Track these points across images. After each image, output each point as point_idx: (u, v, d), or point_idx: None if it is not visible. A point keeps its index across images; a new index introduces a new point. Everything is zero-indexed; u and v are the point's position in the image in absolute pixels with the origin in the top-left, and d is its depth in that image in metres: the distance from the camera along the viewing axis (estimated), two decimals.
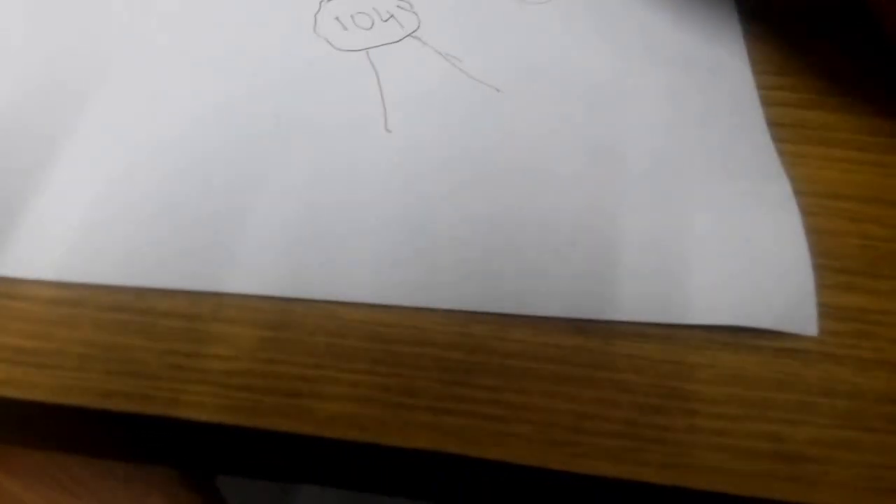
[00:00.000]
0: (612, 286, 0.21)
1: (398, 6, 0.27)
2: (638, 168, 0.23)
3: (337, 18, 0.27)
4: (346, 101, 0.25)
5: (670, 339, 0.20)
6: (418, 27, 0.27)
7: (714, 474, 0.18)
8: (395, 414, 0.19)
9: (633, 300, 0.21)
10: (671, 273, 0.21)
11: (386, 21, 0.27)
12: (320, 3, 0.28)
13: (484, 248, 0.22)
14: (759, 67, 0.27)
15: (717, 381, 0.20)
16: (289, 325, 0.21)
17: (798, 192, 0.23)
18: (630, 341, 0.20)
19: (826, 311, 0.21)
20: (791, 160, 0.24)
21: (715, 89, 0.26)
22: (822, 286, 0.21)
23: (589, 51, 0.26)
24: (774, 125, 0.25)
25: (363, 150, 0.24)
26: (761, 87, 0.26)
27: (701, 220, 0.22)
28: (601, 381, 0.20)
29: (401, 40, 0.26)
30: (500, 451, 0.18)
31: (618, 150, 0.24)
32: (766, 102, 0.25)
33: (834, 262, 0.22)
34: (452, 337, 0.21)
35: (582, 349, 0.20)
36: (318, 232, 0.22)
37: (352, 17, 0.27)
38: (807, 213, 0.23)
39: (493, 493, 0.20)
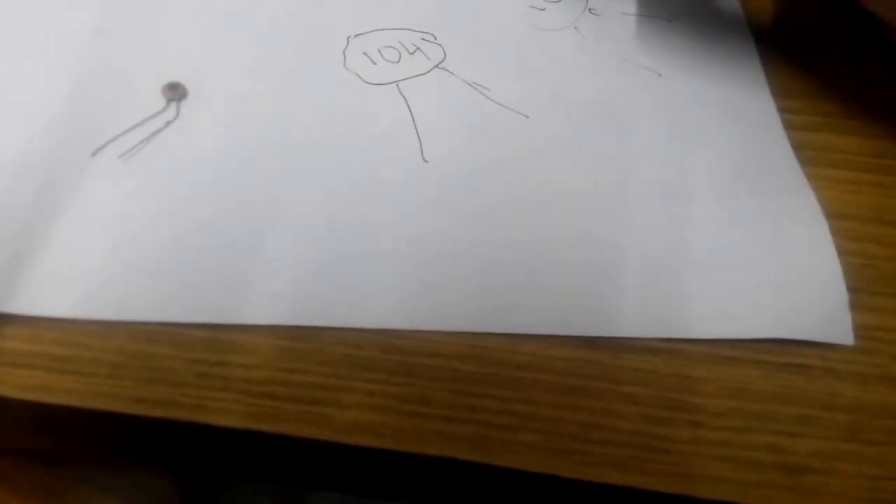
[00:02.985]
0: (649, 305, 0.21)
1: (423, 39, 0.28)
2: (665, 190, 0.24)
3: (365, 53, 0.27)
4: (380, 134, 0.25)
5: (675, 353, 0.21)
6: (444, 58, 0.27)
7: (717, 483, 0.19)
8: (409, 422, 0.20)
9: (669, 318, 0.21)
10: (708, 290, 0.22)
11: (412, 54, 0.27)
12: (348, 38, 0.28)
13: (508, 271, 0.22)
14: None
15: (721, 394, 0.20)
16: (308, 336, 0.22)
17: None
18: (636, 355, 0.21)
19: None
20: None
21: (736, 108, 0.26)
22: None
23: (609, 75, 0.27)
24: None
25: (398, 179, 0.24)
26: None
27: (732, 236, 0.23)
28: (608, 392, 0.20)
29: (429, 72, 0.27)
30: (511, 459, 0.19)
31: (643, 172, 0.24)
32: None
33: None
34: (465, 349, 0.21)
35: (590, 362, 0.21)
36: (348, 261, 0.22)
37: (379, 51, 0.27)
38: None
39: (503, 500, 0.21)
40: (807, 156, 0.25)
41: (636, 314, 0.21)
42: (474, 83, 0.26)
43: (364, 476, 0.21)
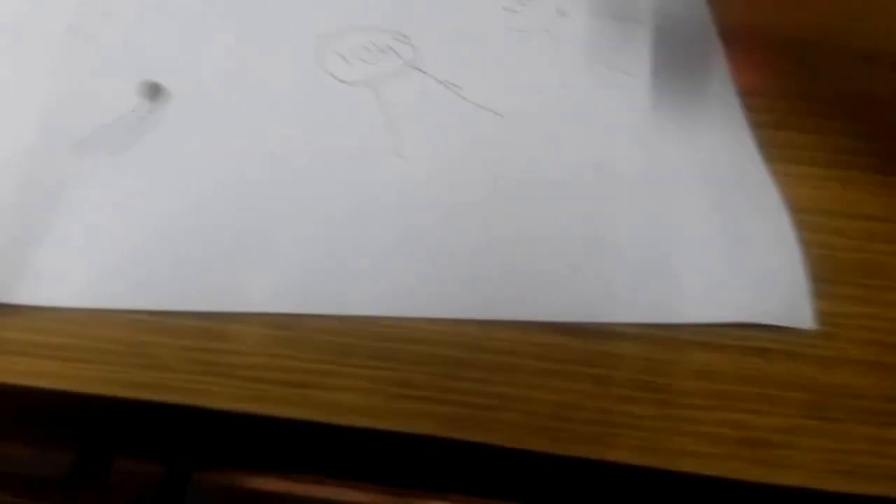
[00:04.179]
0: (622, 292, 0.23)
1: (395, 38, 0.29)
2: (635, 184, 0.25)
3: (338, 53, 0.29)
4: (355, 131, 0.26)
5: (643, 337, 0.22)
6: (417, 58, 0.29)
7: (683, 456, 0.20)
8: (393, 403, 0.21)
9: (641, 304, 0.23)
10: (673, 278, 0.23)
11: (385, 53, 0.29)
12: (321, 37, 0.29)
13: (487, 260, 0.23)
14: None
15: (687, 375, 0.22)
16: (296, 325, 0.23)
17: None
18: (607, 340, 0.22)
19: None
20: None
21: (702, 106, 0.28)
22: None
23: (579, 74, 0.28)
24: None
25: (377, 175, 0.25)
26: None
27: (696, 227, 0.24)
28: (580, 375, 0.22)
29: (402, 71, 0.28)
30: (488, 436, 0.20)
31: (612, 167, 0.26)
32: None
33: None
34: (445, 336, 0.23)
35: (563, 347, 0.22)
36: (333, 253, 0.24)
37: (352, 50, 0.29)
38: None
39: (481, 477, 0.22)
40: (771, 153, 0.27)
41: (605, 300, 0.23)
42: (447, 82, 0.28)
43: (349, 457, 0.22)
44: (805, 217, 0.25)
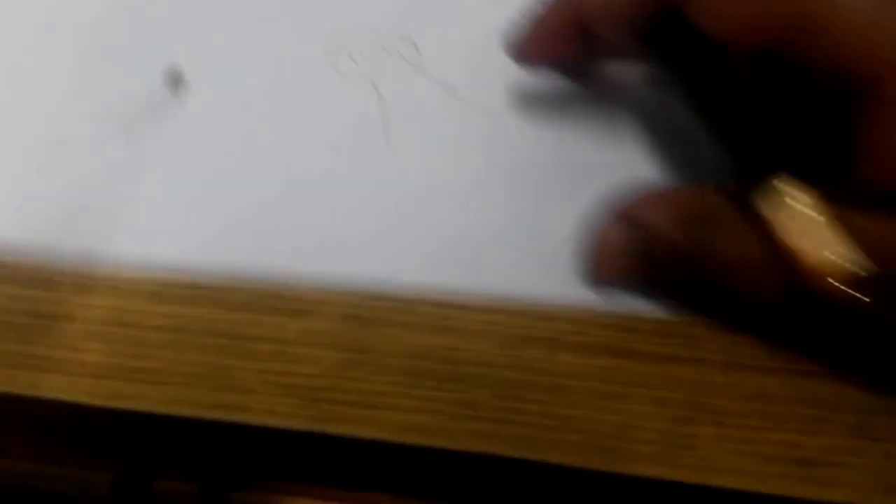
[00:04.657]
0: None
1: (400, 40, 0.32)
2: (610, 179, 0.28)
3: (346, 49, 0.32)
4: (351, 120, 0.30)
5: (701, 361, 0.24)
6: (420, 59, 0.32)
7: (738, 475, 0.22)
8: (460, 424, 0.23)
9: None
10: None
11: (390, 53, 0.32)
12: (330, 36, 0.32)
13: (470, 243, 0.27)
14: None
15: (742, 397, 0.23)
16: (365, 348, 0.25)
17: None
18: (664, 363, 0.24)
19: None
20: None
21: (686, 118, 0.30)
22: None
23: (573, 85, 0.31)
24: None
25: (364, 161, 0.29)
26: None
27: None
28: (640, 397, 0.23)
29: (403, 69, 0.31)
30: (552, 456, 0.22)
31: (594, 165, 0.29)
32: None
33: None
34: (507, 359, 0.24)
35: (624, 370, 0.24)
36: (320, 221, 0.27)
37: (359, 49, 0.32)
38: None
39: (546, 496, 0.24)
40: None
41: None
42: (444, 82, 0.31)
43: (418, 476, 0.24)
44: None
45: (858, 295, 0.21)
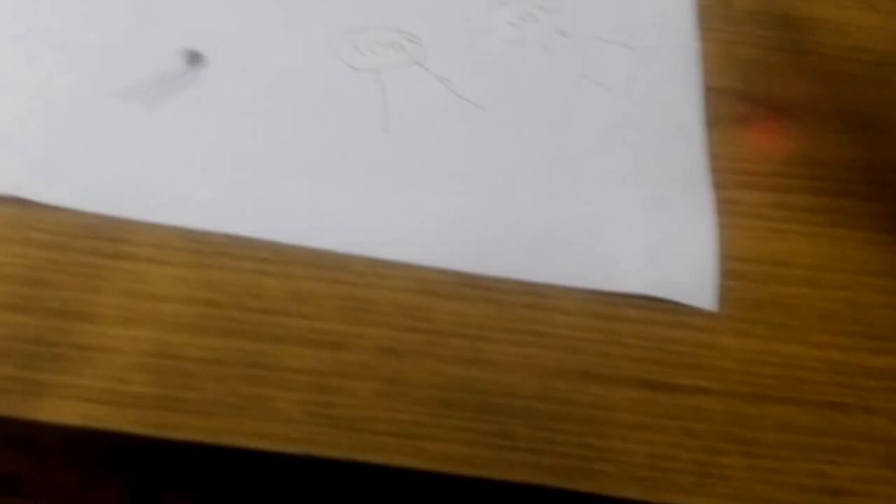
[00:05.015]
0: (557, 259, 0.29)
1: (409, 39, 0.35)
2: (591, 176, 0.31)
3: (355, 46, 0.35)
4: (352, 106, 0.33)
5: (729, 393, 0.25)
6: (424, 56, 0.35)
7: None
8: (496, 454, 0.24)
9: (573, 272, 0.28)
10: (607, 254, 0.29)
11: (396, 50, 0.35)
12: (344, 31, 0.36)
13: (445, 215, 0.30)
14: None
15: (772, 428, 0.24)
16: (401, 380, 0.26)
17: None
18: (692, 395, 0.25)
19: (861, 370, 0.26)
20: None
21: (664, 126, 0.33)
22: (858, 349, 0.26)
23: (563, 84, 0.34)
24: None
25: (366, 149, 0.32)
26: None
27: (637, 217, 0.30)
28: (671, 427, 0.24)
29: (407, 65, 0.35)
30: (586, 485, 0.23)
31: (575, 161, 0.32)
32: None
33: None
34: (539, 390, 0.25)
35: (653, 401, 0.25)
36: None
37: (367, 45, 0.35)
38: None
39: None
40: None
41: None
42: (443, 78, 0.34)
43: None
44: (875, 279, 0.28)
45: None
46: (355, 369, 0.26)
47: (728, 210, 0.31)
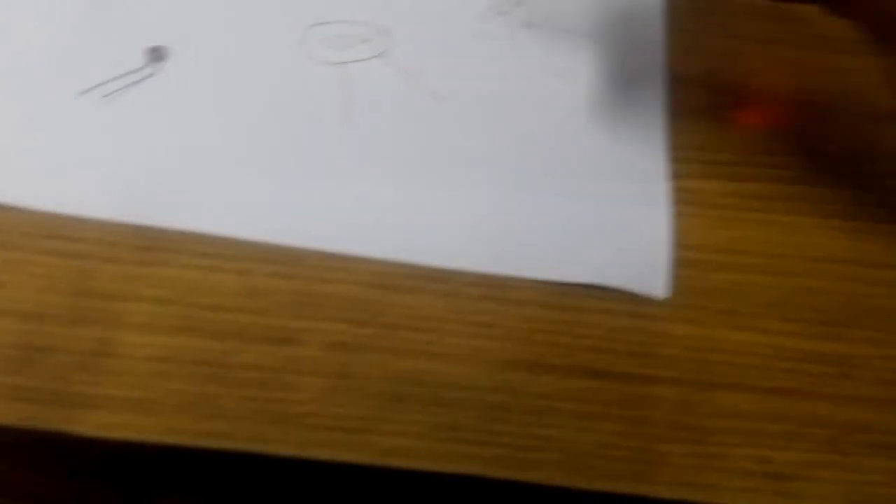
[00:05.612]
0: (512, 251, 0.29)
1: (376, 33, 0.36)
2: (549, 167, 0.32)
3: (322, 39, 0.36)
4: (315, 99, 0.34)
5: (677, 381, 0.26)
6: (389, 49, 0.35)
7: (711, 490, 0.23)
8: (443, 446, 0.24)
9: (528, 264, 0.29)
10: (562, 245, 0.30)
11: (363, 43, 0.36)
12: (310, 26, 0.36)
13: (400, 208, 0.30)
14: None
15: (716, 415, 0.25)
16: (350, 375, 0.26)
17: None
18: (641, 383, 0.26)
19: (809, 357, 0.26)
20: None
21: (626, 119, 0.34)
22: (807, 335, 0.27)
23: (525, 76, 0.35)
24: None
25: (329, 139, 0.33)
26: None
27: (592, 209, 0.31)
28: (618, 416, 0.25)
29: (372, 58, 0.35)
30: (532, 475, 0.24)
31: (533, 153, 0.32)
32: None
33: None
34: (489, 382, 0.26)
35: (601, 391, 0.25)
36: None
37: (334, 38, 0.36)
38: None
39: None
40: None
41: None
42: (408, 71, 0.34)
43: (401, 497, 0.25)
44: (828, 266, 0.29)
45: None
46: (305, 365, 0.26)
47: (686, 199, 0.31)
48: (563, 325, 0.27)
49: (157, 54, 0.34)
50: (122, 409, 0.25)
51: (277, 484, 0.27)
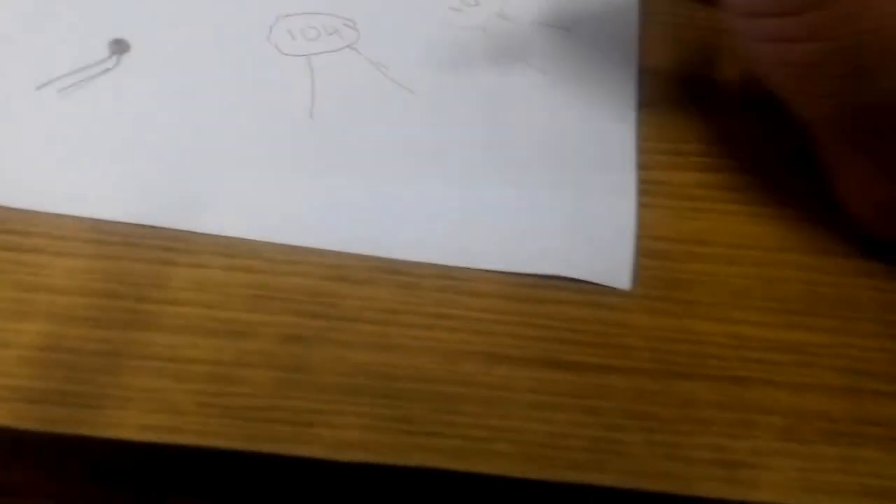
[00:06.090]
0: (473, 243, 0.29)
1: (343, 24, 0.36)
2: (516, 158, 0.32)
3: (288, 30, 0.36)
4: (280, 91, 0.34)
5: (634, 371, 0.26)
6: (357, 41, 0.35)
7: (664, 479, 0.23)
8: (394, 438, 0.24)
9: (489, 255, 0.29)
10: (524, 236, 0.30)
11: (330, 35, 0.36)
12: (277, 17, 0.36)
13: (364, 203, 0.30)
14: None
15: (672, 403, 0.25)
16: (302, 368, 0.26)
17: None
18: (598, 373, 0.26)
19: (769, 345, 0.27)
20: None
21: (597, 111, 0.34)
22: (768, 324, 0.27)
23: (498, 68, 0.35)
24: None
25: (292, 131, 0.33)
26: None
27: (556, 200, 0.31)
28: (572, 406, 0.25)
29: (339, 50, 0.35)
30: (484, 466, 0.24)
31: (500, 145, 0.33)
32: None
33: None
34: (444, 373, 0.26)
35: (557, 381, 0.25)
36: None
37: (301, 30, 0.36)
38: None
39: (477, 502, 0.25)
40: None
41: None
42: (377, 62, 0.34)
43: (354, 491, 0.25)
44: (791, 256, 0.29)
45: None
46: (256, 358, 0.26)
47: (652, 190, 0.31)
48: (522, 317, 0.27)
49: (119, 46, 0.34)
50: (60, 402, 0.25)
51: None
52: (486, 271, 0.29)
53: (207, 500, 0.28)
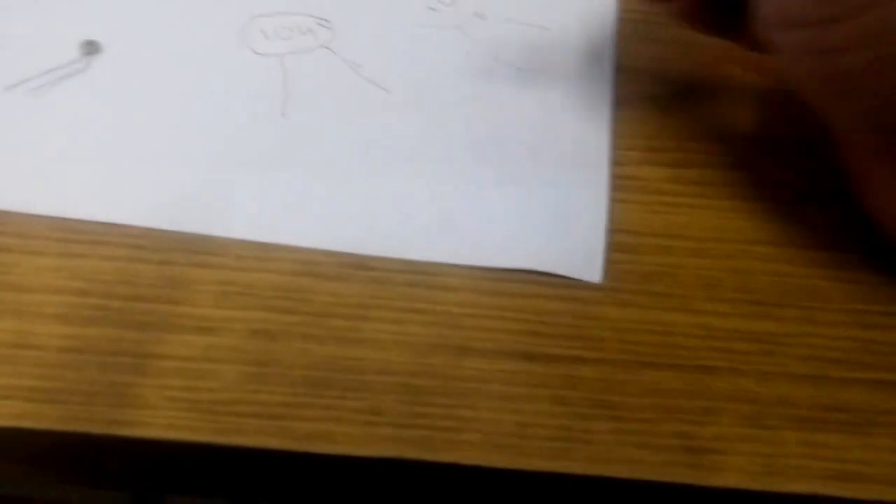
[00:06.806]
0: (444, 238, 0.30)
1: (318, 24, 0.37)
2: (491, 155, 0.33)
3: (262, 30, 0.37)
4: (253, 91, 0.34)
5: (603, 361, 0.27)
6: (331, 40, 0.36)
7: (630, 465, 0.24)
8: (363, 430, 0.25)
9: (460, 250, 0.30)
10: (495, 231, 0.30)
11: (304, 34, 0.36)
12: (251, 17, 0.37)
13: (338, 200, 0.31)
14: None
15: (639, 393, 0.26)
16: (271, 362, 0.27)
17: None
18: (567, 364, 0.26)
19: (736, 335, 0.27)
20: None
21: (572, 107, 0.35)
22: (736, 314, 0.28)
23: (474, 66, 0.36)
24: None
25: (264, 131, 0.33)
26: None
27: (527, 195, 0.32)
28: (541, 396, 0.26)
29: (314, 49, 0.36)
30: (453, 456, 0.24)
31: (473, 142, 0.33)
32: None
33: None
34: (414, 366, 0.26)
35: (527, 372, 0.26)
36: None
37: (275, 30, 0.36)
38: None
39: (449, 495, 0.26)
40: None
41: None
42: (351, 61, 0.35)
43: (324, 484, 0.26)
44: (760, 248, 0.30)
45: None
46: (223, 353, 0.27)
47: (626, 186, 0.32)
48: (493, 310, 0.28)
49: (91, 47, 0.35)
50: (27, 398, 0.25)
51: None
52: (458, 266, 0.29)
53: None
